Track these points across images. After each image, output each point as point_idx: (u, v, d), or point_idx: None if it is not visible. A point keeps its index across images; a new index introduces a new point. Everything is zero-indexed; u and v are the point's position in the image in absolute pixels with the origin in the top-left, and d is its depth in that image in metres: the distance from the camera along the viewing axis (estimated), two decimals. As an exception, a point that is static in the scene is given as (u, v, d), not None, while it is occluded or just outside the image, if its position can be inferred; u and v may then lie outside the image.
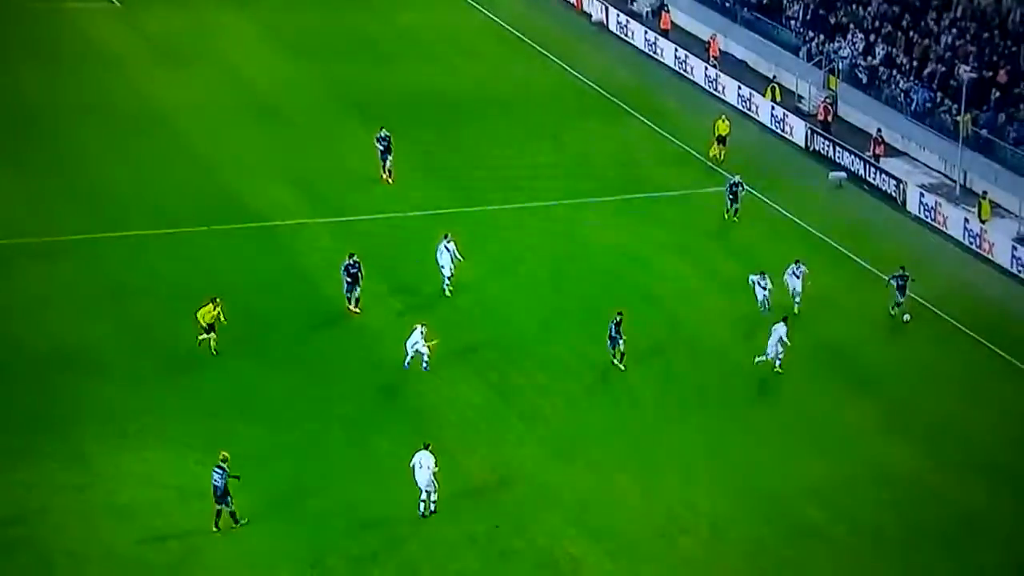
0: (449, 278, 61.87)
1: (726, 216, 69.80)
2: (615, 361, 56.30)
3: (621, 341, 56.07)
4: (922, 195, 72.36)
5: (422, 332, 55.37)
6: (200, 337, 56.51)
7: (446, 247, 61.88)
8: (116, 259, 64.46)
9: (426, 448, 47.78)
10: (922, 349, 59.75)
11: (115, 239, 66.17)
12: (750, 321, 60.22)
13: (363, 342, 58.52)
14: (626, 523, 47.98)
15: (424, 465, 47.47)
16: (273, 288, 62.95)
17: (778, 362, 56.23)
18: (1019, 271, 66.34)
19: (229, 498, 46.67)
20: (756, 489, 49.83)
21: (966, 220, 69.76)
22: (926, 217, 71.62)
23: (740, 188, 69.96)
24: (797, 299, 60.60)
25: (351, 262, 59.95)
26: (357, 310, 60.01)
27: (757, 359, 56.31)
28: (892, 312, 61.11)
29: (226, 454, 46.95)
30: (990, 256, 67.90)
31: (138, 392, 54.59)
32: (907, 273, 60.82)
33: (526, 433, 52.93)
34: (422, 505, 47.30)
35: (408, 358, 55.28)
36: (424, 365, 55.46)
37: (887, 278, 61.65)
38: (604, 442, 52.57)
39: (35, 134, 76.01)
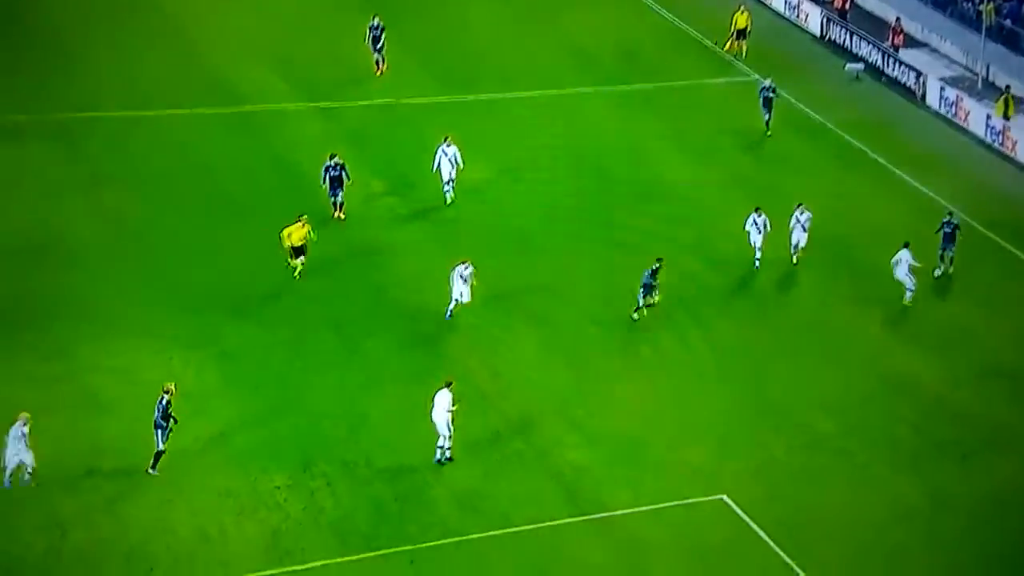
0: (449, 183, 61.09)
1: (768, 132, 68.23)
2: (637, 310, 53.73)
3: (656, 292, 53.68)
4: (943, 89, 72.23)
5: (468, 276, 53.10)
6: (289, 262, 55.36)
7: (444, 151, 60.91)
8: (92, 142, 64.57)
9: (447, 387, 46.50)
10: (932, 255, 59.27)
11: (91, 120, 66.30)
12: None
13: (353, 235, 58.76)
14: (634, 434, 48.38)
15: (440, 406, 46.18)
16: (257, 176, 63.22)
17: (909, 294, 54.86)
18: (1044, 170, 66.56)
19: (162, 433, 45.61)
20: (767, 401, 50.19)
21: (988, 116, 69.62)
22: (946, 112, 71.55)
23: (773, 94, 68.02)
24: (796, 252, 57.35)
25: (332, 164, 59.10)
26: (342, 215, 59.46)
27: (907, 297, 55.26)
28: (938, 270, 57.44)
29: (171, 386, 45.99)
30: (1013, 155, 67.80)
31: (117, 285, 54.86)
32: (955, 220, 57.74)
33: (530, 339, 53.16)
34: (438, 452, 46.49)
35: (451, 305, 53.52)
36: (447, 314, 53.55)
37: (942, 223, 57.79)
38: (613, 352, 52.85)
39: (10, 4, 75.66)
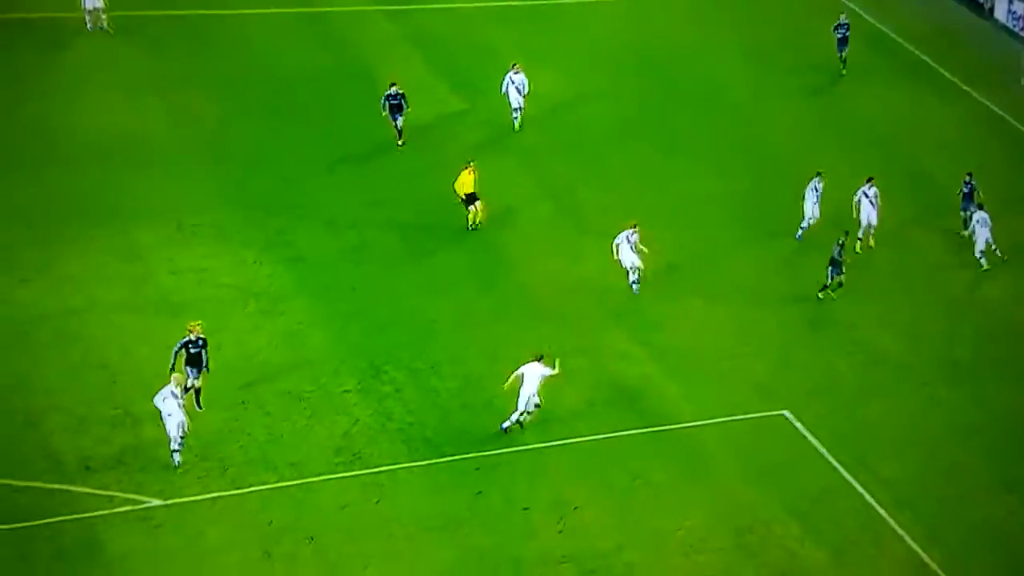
0: (517, 110, 59.99)
1: (841, 69, 65.86)
2: (828, 290, 51.07)
3: (843, 268, 51.02)
4: (1011, 1, 71.42)
5: (635, 241, 50.57)
6: (469, 214, 53.81)
7: (512, 78, 59.63)
8: (165, 41, 64.50)
9: (539, 360, 44.28)
10: (999, 171, 59.18)
11: (171, 19, 66.27)
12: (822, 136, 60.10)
13: (419, 143, 58.77)
14: (697, 350, 48.58)
15: (531, 377, 44.09)
16: (326, 80, 63.33)
17: (983, 258, 52.57)
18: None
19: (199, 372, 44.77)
20: (830, 318, 50.33)
21: None
22: (1014, 26, 70.78)
23: (847, 31, 65.22)
24: (868, 233, 53.61)
25: (392, 92, 57.69)
26: (401, 143, 58.46)
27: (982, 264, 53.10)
28: (964, 232, 54.63)
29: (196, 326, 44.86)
30: None
31: (192, 187, 55.17)
32: (973, 181, 54.84)
33: (595, 251, 52.80)
34: (511, 419, 44.55)
35: (633, 279, 51.11)
36: (634, 287, 50.99)
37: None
38: (677, 268, 52.74)
39: None
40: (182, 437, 42.17)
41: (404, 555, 40.23)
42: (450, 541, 40.75)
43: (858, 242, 53.22)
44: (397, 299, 50.30)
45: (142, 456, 43.03)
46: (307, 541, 40.46)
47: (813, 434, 44.92)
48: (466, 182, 53.06)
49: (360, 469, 43.05)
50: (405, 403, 45.62)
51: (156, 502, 41.62)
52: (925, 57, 67.72)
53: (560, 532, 41.15)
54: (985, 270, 52.48)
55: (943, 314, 51.14)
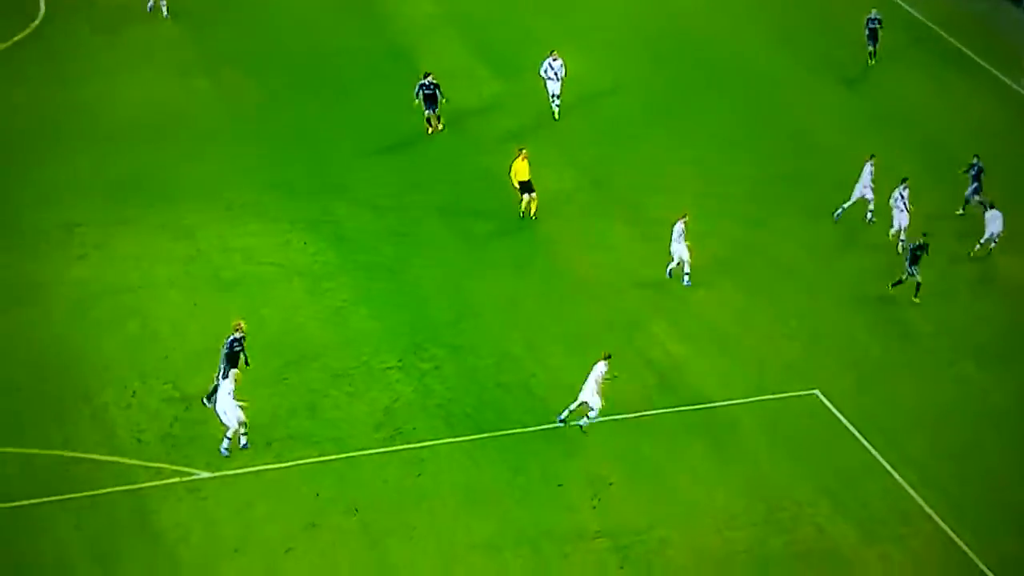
0: (555, 97, 59.73)
1: (869, 61, 65.16)
2: (903, 287, 50.57)
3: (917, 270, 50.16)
4: None
5: (682, 230, 49.97)
6: (522, 202, 53.58)
7: (551, 64, 59.40)
8: (214, 22, 65.01)
9: (605, 359, 44.01)
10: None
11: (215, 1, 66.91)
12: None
13: (459, 126, 59.13)
14: (729, 329, 48.88)
15: (593, 375, 43.94)
16: (369, 60, 63.74)
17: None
18: None
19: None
20: (860, 297, 50.59)
21: None
22: None
23: (879, 24, 64.46)
24: (900, 236, 52.38)
25: (427, 82, 57.24)
26: (440, 127, 58.29)
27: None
28: (961, 210, 54.97)
29: (241, 323, 44.59)
30: None
31: (239, 167, 55.69)
32: (981, 163, 54.88)
33: (628, 233, 53.43)
34: (566, 412, 44.37)
35: (673, 266, 50.89)
36: (685, 279, 50.64)
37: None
38: (709, 248, 52.60)
39: None
40: (243, 428, 42.65)
41: (445, 527, 40.73)
42: (489, 514, 41.22)
43: (900, 244, 52.11)
44: (437, 279, 50.68)
45: (191, 430, 43.61)
46: (352, 513, 41.01)
47: (843, 413, 45.14)
48: (520, 169, 52.80)
49: (401, 444, 43.52)
50: (444, 380, 46.04)
51: (204, 474, 42.24)
52: (955, 41, 67.56)
53: (594, 508, 41.54)
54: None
55: (968, 294, 51.23)
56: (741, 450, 43.56)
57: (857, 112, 61.84)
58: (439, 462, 43.06)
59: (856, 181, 53.91)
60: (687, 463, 43.22)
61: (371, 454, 43.26)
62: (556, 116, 59.76)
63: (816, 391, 46.07)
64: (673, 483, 42.56)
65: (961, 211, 54.72)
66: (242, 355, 43.62)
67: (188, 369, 45.85)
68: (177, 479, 42.01)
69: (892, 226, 52.44)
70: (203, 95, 60.29)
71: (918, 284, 50.19)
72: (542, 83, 59.82)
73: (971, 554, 40.82)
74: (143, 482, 41.80)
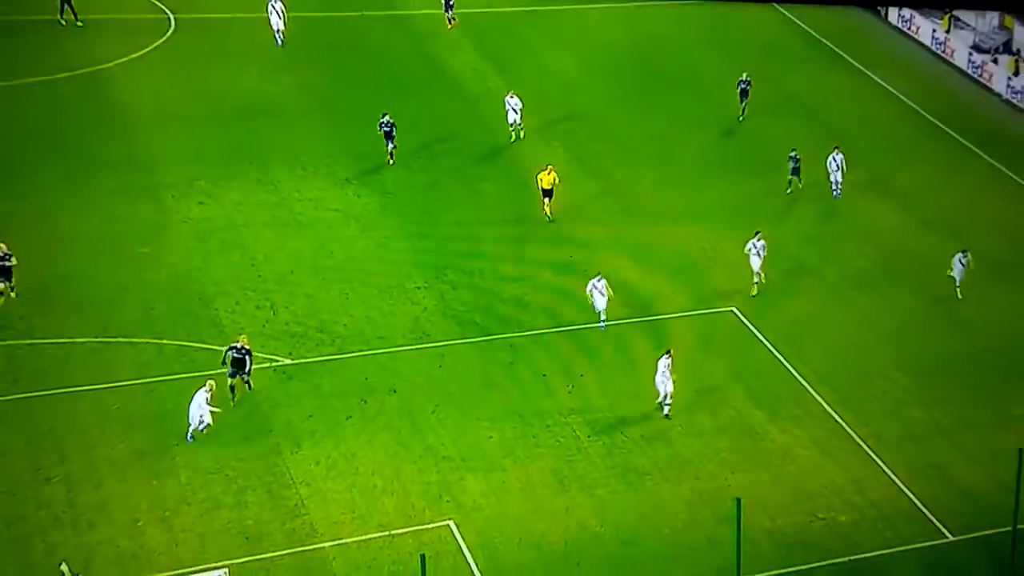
0: (514, 124, 55.05)
1: (740, 118, 57.77)
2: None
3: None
4: (900, 10, 68.32)
5: (602, 288, 44.35)
6: (546, 206, 50.08)
7: (508, 102, 55.08)
8: (297, 35, 64.05)
9: (667, 354, 40.86)
10: (897, 129, 58.88)
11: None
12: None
13: (470, 110, 58.44)
14: (671, 259, 48.46)
15: (661, 369, 40.62)
16: (407, 64, 62.76)
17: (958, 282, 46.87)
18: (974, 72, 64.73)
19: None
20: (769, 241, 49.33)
21: (934, 30, 66.63)
22: (903, 26, 68.44)
23: (748, 86, 57.40)
24: (757, 279, 46.65)
25: (384, 120, 52.63)
26: (391, 162, 53.14)
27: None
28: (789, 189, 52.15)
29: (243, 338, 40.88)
30: (952, 59, 65.40)
31: (312, 139, 55.18)
32: (799, 155, 52.07)
33: (592, 188, 52.85)
34: (663, 408, 40.91)
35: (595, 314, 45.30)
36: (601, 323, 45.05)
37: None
38: (660, 194, 52.40)
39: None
40: (202, 428, 38.72)
41: (459, 404, 41.10)
42: (491, 396, 41.53)
43: (755, 284, 46.49)
44: (455, 223, 50.39)
45: (277, 328, 43.89)
46: (391, 393, 41.38)
47: (754, 325, 45.12)
48: (544, 180, 49.69)
49: (427, 343, 43.63)
50: (460, 297, 46.03)
51: (287, 360, 42.56)
52: (838, 49, 65.79)
53: (570, 392, 41.73)
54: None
55: (849, 237, 50.43)
56: (679, 352, 42.90)
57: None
58: (455, 357, 43.19)
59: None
60: (637, 360, 43.13)
61: (405, 350, 43.40)
62: (513, 139, 55.31)
63: (734, 308, 45.93)
64: (627, 375, 42.55)
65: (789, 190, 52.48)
66: (248, 362, 40.13)
67: (276, 286, 46.05)
68: (268, 363, 42.14)
69: (753, 270, 46.57)
70: (288, 87, 59.68)
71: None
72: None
73: (848, 429, 40.86)
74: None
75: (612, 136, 57.07)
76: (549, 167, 49.92)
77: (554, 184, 49.43)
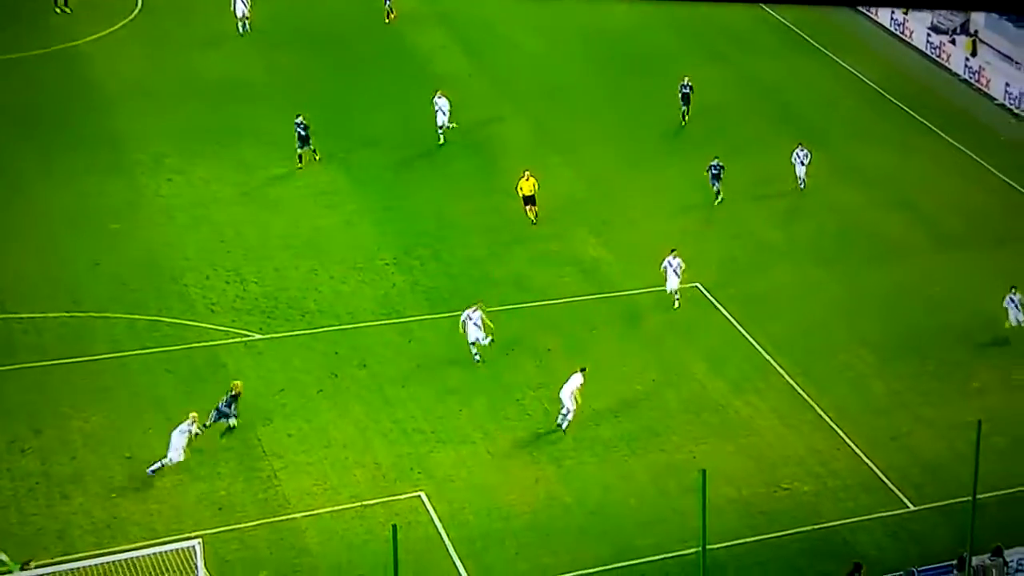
0: (442, 127, 53.62)
1: (715, 202, 51.66)
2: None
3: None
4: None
5: (477, 319, 42.03)
6: (529, 212, 48.83)
7: (437, 101, 53.55)
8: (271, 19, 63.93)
9: (581, 372, 39.78)
10: (857, 110, 59.11)
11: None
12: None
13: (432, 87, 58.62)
14: (636, 238, 48.69)
15: (569, 385, 39.61)
16: (377, 47, 62.81)
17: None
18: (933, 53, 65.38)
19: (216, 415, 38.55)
20: (723, 221, 50.08)
21: (892, 12, 66.36)
22: (863, 9, 67.99)
23: (691, 90, 56.20)
24: (675, 296, 45.16)
25: (298, 122, 51.52)
26: (317, 158, 51.70)
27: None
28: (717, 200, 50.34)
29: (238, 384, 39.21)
30: (911, 40, 65.63)
31: (279, 116, 54.71)
32: (720, 163, 50.56)
33: (565, 171, 52.87)
34: (559, 419, 39.75)
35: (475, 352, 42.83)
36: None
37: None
38: (624, 172, 52.78)
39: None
40: (165, 464, 36.80)
41: (428, 378, 41.39)
42: (460, 370, 41.74)
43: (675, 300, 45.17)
44: (423, 200, 50.51)
45: (248, 303, 44.14)
46: (361, 367, 41.62)
47: (717, 300, 45.45)
48: (524, 186, 48.55)
49: (397, 319, 43.84)
50: (427, 273, 46.22)
51: (259, 336, 42.82)
52: (803, 33, 65.56)
53: (537, 366, 42.01)
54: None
55: (812, 213, 50.87)
56: (642, 327, 43.82)
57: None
58: (424, 332, 43.39)
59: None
60: (602, 335, 43.59)
61: (375, 325, 43.61)
62: (441, 142, 53.86)
63: (698, 284, 46.23)
64: (593, 350, 42.86)
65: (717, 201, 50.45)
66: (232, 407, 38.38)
67: (245, 261, 46.32)
68: (239, 339, 42.49)
69: (668, 288, 45.14)
70: (256, 67, 59.62)
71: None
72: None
73: (811, 401, 41.24)
74: (216, 340, 42.28)
75: (579, 114, 57.23)
76: (526, 173, 48.79)
77: (535, 190, 48.47)
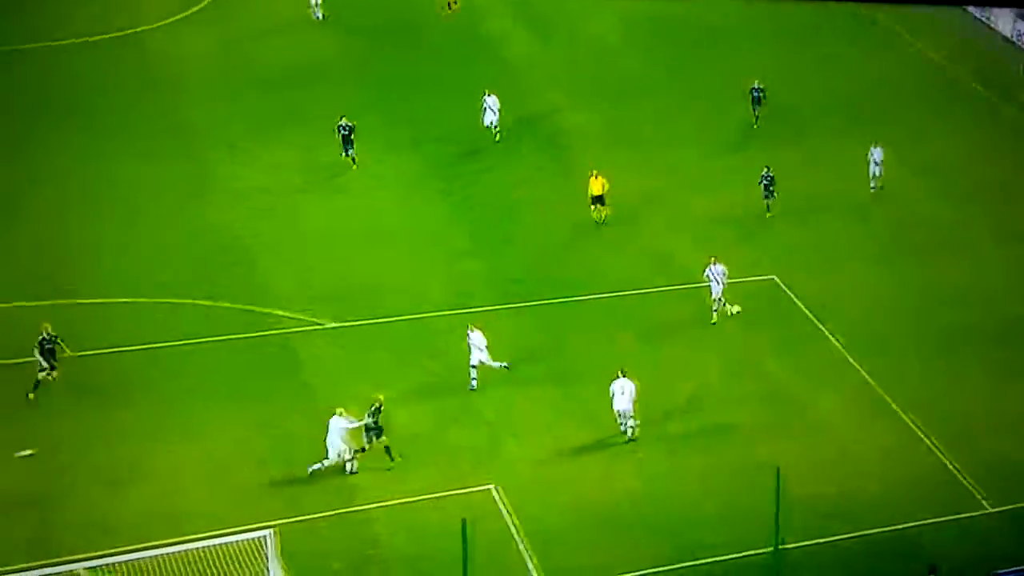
0: (491, 124, 52.63)
1: (755, 125, 54.48)
2: None
3: None
4: None
5: (478, 341, 40.26)
6: (594, 212, 48.15)
7: (487, 100, 52.71)
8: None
9: (623, 375, 38.54)
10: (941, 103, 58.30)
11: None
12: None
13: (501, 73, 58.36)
14: (713, 233, 47.92)
15: (625, 392, 38.28)
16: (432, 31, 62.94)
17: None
18: None
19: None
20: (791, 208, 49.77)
21: None
22: None
23: (762, 93, 54.51)
24: (718, 305, 43.68)
25: (343, 124, 50.27)
26: (355, 167, 50.79)
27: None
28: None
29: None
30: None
31: (352, 102, 54.09)
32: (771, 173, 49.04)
33: (634, 155, 52.40)
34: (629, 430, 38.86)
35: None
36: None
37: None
38: (698, 164, 52.12)
39: None
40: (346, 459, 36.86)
41: (504, 369, 41.12)
42: (532, 361, 41.34)
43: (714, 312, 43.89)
44: (494, 189, 50.43)
45: (325, 291, 44.16)
46: (434, 357, 41.41)
47: (794, 293, 44.94)
48: (594, 186, 47.66)
49: (471, 308, 43.06)
50: (499, 263, 46.16)
51: (331, 324, 42.79)
52: None
53: (611, 359, 40.62)
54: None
55: (889, 210, 49.95)
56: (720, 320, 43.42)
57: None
58: (498, 322, 42.28)
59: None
60: (675, 328, 43.35)
61: (447, 315, 43.11)
62: (496, 139, 52.94)
63: (774, 276, 45.81)
64: (666, 343, 42.63)
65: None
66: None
67: (314, 249, 46.28)
68: (311, 327, 42.52)
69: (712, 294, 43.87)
70: (331, 52, 59.48)
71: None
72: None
73: (887, 398, 40.66)
74: (288, 328, 42.35)
75: (650, 106, 56.61)
76: (595, 173, 47.89)
77: (604, 190, 47.55)
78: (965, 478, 38.00)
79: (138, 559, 32.10)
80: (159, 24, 60.92)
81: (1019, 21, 63.89)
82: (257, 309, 42.74)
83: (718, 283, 43.27)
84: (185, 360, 40.87)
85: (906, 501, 37.20)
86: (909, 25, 63.48)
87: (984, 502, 37.29)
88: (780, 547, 31.63)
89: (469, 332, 40.04)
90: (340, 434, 36.36)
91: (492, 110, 52.62)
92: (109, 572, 31.46)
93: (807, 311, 44.24)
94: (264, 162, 51.25)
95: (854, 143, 52.06)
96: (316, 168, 51.14)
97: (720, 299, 43.35)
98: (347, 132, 50.18)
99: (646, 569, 34.88)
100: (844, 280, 46.06)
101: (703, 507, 36.85)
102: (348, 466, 36.64)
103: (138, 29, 60.33)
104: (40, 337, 38.55)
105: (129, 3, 62.24)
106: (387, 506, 36.13)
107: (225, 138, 52.65)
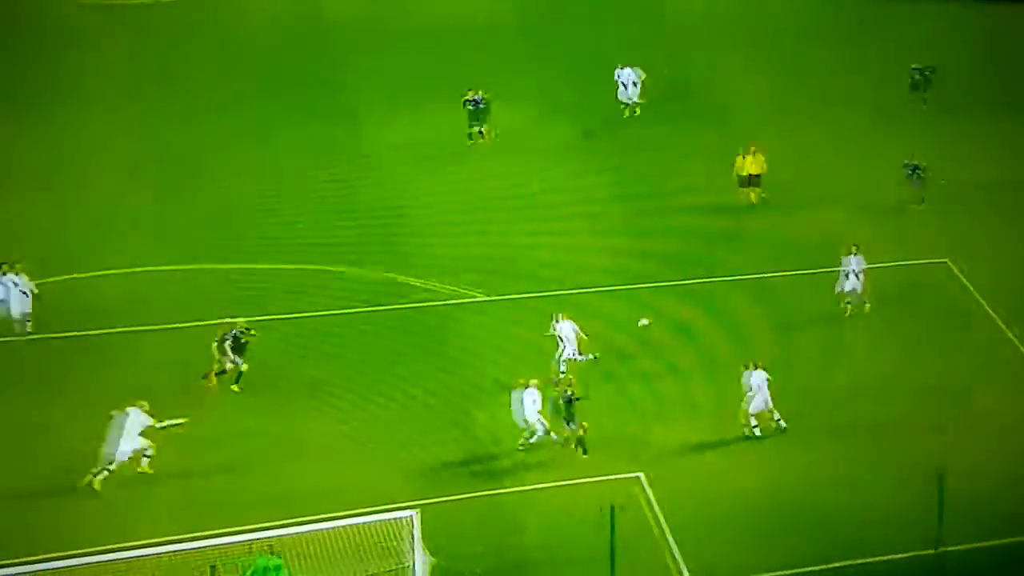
0: (628, 104, 52.23)
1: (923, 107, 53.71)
2: None
3: None
4: None
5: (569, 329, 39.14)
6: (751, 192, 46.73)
7: (620, 74, 52.30)
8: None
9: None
10: None
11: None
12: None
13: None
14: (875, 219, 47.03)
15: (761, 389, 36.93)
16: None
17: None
18: None
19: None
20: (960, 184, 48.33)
21: None
22: None
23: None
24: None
25: (472, 98, 49.39)
26: (491, 137, 50.36)
27: None
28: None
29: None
30: None
31: (516, 65, 54.72)
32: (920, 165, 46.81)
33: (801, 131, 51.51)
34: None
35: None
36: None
37: None
38: (866, 145, 51.19)
39: None
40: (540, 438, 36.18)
41: (654, 351, 39.96)
42: (684, 345, 40.60)
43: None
44: (650, 162, 49.83)
45: (476, 266, 43.93)
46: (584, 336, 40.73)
47: (965, 277, 43.51)
48: (748, 163, 45.98)
49: (624, 284, 42.75)
50: (656, 239, 45.46)
51: (482, 297, 42.54)
52: None
53: (768, 344, 40.21)
54: None
55: None
56: (884, 304, 41.82)
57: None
58: (653, 300, 41.90)
59: None
60: (837, 314, 41.81)
61: (602, 291, 42.34)
62: (633, 113, 52.33)
63: (946, 260, 44.28)
64: (827, 329, 41.32)
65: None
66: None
67: (471, 217, 46.17)
68: (467, 299, 42.35)
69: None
70: (497, 10, 59.69)
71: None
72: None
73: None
74: (443, 300, 42.29)
75: (812, 81, 55.64)
76: (753, 148, 46.20)
77: (763, 169, 45.75)
78: None
79: (282, 535, 31.70)
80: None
81: None
82: (411, 280, 42.41)
83: (856, 277, 41.25)
84: (337, 330, 40.68)
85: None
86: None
87: None
88: (939, 549, 30.17)
89: (557, 323, 38.33)
90: (534, 408, 35.57)
91: (632, 83, 51.25)
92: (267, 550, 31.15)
93: (980, 298, 42.60)
94: (425, 123, 51.08)
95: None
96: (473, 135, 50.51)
97: (859, 293, 41.26)
98: (474, 106, 48.79)
99: (797, 567, 33.45)
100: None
101: (859, 504, 35.20)
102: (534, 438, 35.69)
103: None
104: (233, 331, 37.59)
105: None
106: (530, 490, 35.32)
107: (383, 99, 52.45)
